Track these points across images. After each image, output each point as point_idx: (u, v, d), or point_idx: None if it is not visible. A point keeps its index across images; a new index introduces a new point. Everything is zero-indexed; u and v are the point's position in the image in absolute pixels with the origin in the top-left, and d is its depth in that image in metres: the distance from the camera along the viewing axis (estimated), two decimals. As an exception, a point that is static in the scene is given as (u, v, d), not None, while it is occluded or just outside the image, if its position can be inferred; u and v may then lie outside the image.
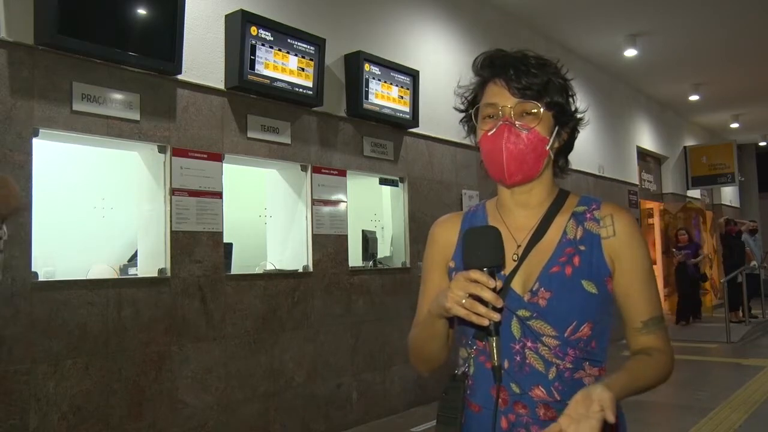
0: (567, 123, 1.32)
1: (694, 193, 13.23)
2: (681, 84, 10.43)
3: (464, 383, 1.31)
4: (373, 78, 5.12)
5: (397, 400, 5.26)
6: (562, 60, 1.38)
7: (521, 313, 1.25)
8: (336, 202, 4.92)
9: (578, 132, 1.36)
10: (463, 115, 1.37)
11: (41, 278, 3.35)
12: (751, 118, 13.23)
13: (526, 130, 1.25)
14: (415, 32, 5.86)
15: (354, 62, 5.04)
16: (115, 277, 3.94)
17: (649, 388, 1.23)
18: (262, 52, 4.26)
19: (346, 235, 4.98)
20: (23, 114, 3.22)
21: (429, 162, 5.82)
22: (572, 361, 1.24)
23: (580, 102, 1.38)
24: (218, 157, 4.10)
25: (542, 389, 1.24)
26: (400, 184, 5.57)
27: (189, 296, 3.87)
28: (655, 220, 11.63)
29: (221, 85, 4.16)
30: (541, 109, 1.26)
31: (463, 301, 1.11)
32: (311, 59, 4.57)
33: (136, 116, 3.69)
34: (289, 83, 4.43)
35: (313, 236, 4.70)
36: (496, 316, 1.11)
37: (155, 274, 3.77)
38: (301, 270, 4.62)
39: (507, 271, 1.28)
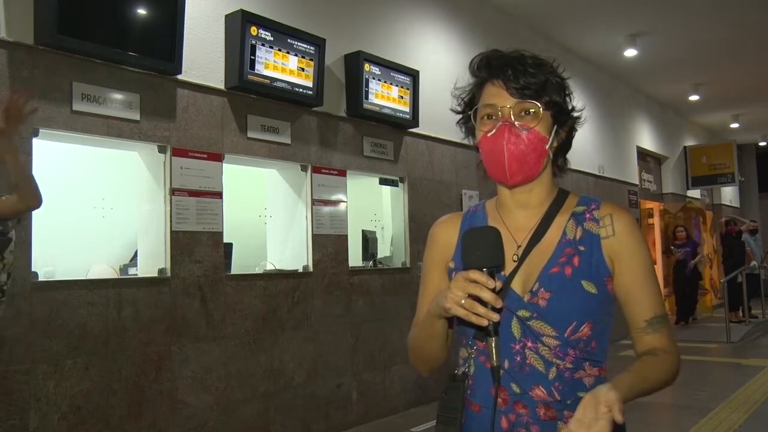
0: (565, 122, 1.32)
1: (694, 193, 13.22)
2: (681, 84, 10.43)
3: (464, 383, 1.31)
4: (373, 78, 5.11)
5: (397, 400, 5.26)
6: (562, 60, 1.38)
7: (521, 313, 1.25)
8: (336, 202, 4.92)
9: (576, 130, 1.36)
10: (460, 116, 1.37)
11: (41, 278, 3.36)
12: (751, 118, 13.23)
13: (526, 130, 1.25)
14: (415, 32, 5.86)
15: (354, 62, 5.04)
16: (115, 277, 3.94)
17: (657, 389, 1.22)
18: (262, 52, 4.26)
19: (346, 235, 4.98)
20: (23, 114, 3.22)
21: (429, 162, 5.82)
22: (572, 362, 1.24)
23: (580, 101, 1.38)
24: (218, 157, 4.10)
25: (542, 389, 1.24)
26: (400, 184, 5.57)
27: (189, 296, 3.87)
28: (655, 220, 11.62)
29: (221, 85, 4.16)
30: (540, 109, 1.26)
31: (463, 301, 1.12)
32: (311, 59, 4.57)
33: (136, 116, 3.69)
34: (289, 83, 4.43)
35: (313, 236, 4.70)
36: (495, 317, 1.11)
37: (155, 274, 3.77)
38: (301, 270, 4.62)
39: (507, 271, 1.28)
